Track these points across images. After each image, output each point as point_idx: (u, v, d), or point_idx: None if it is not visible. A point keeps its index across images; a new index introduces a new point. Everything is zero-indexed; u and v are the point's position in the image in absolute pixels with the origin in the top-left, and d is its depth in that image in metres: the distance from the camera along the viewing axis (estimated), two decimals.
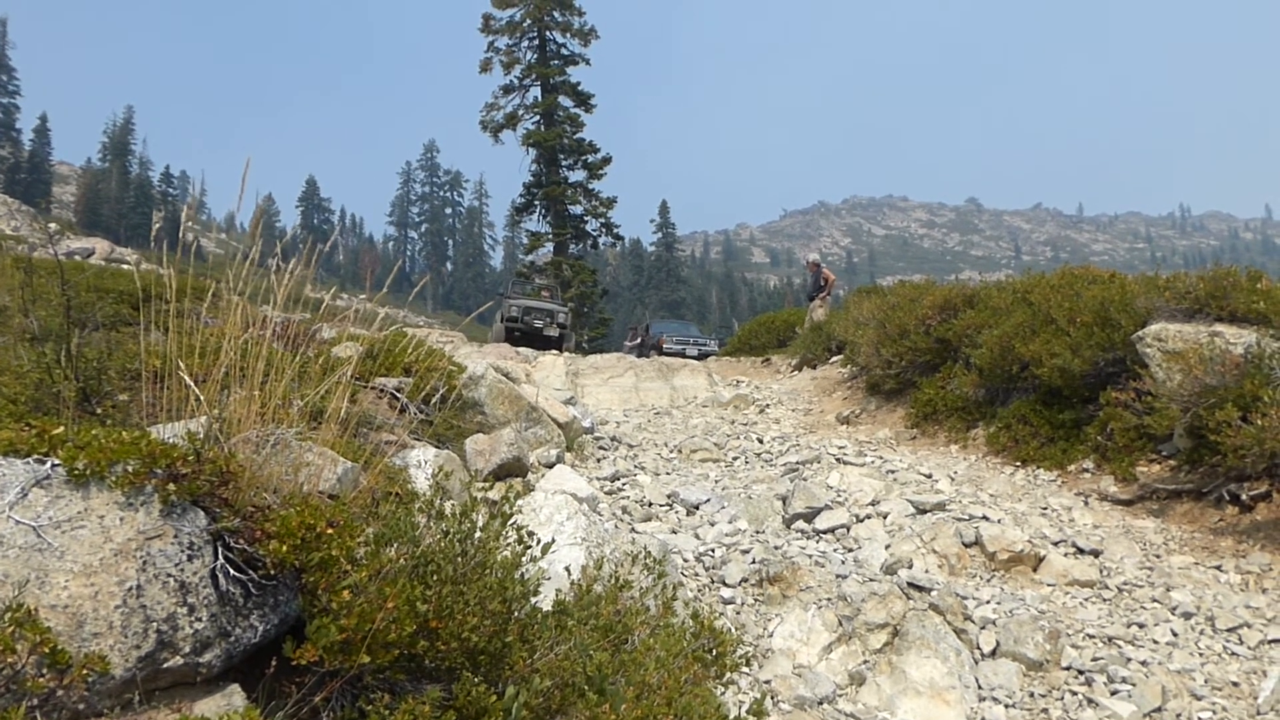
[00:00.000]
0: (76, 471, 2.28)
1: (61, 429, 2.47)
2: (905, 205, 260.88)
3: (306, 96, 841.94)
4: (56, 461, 2.32)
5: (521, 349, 17.83)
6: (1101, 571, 5.55)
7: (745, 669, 4.22)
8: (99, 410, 3.95)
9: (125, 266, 14.31)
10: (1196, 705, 4.24)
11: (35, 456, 2.35)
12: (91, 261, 20.88)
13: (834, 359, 13.88)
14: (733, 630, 3.96)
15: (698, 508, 6.57)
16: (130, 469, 2.33)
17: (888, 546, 5.79)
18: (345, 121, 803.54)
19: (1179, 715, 4.17)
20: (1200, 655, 4.65)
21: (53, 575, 2.08)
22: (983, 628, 4.82)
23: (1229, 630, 4.83)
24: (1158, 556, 5.80)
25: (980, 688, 4.41)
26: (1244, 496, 6.14)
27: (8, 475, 2.23)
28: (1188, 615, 4.99)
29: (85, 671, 1.96)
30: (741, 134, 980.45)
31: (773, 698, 4.23)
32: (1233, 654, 4.64)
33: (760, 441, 9.15)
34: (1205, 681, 4.40)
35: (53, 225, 43.52)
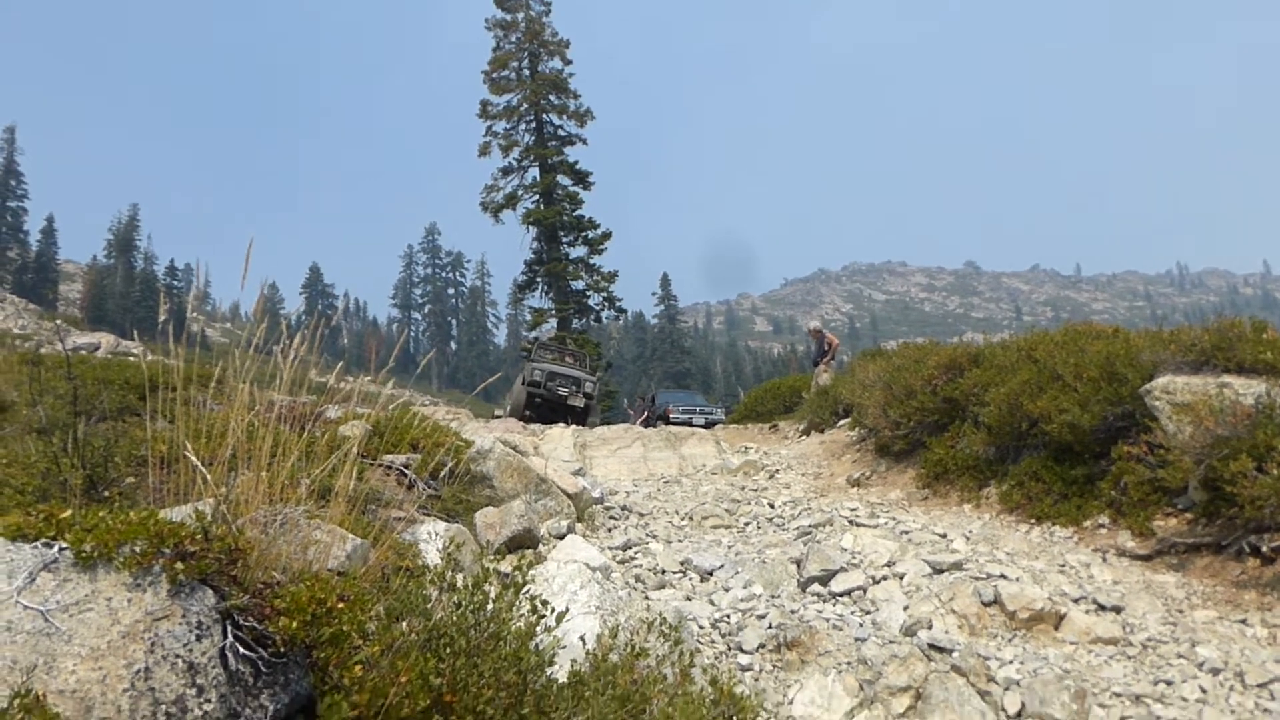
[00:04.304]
0: (84, 554, 2.27)
1: (69, 512, 2.46)
2: (904, 270, 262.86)
3: (308, 186, 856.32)
4: (64, 545, 2.31)
5: (531, 424, 17.73)
6: (1124, 628, 5.44)
7: None
8: (106, 495, 3.94)
9: (131, 358, 14.39)
10: None
11: (43, 540, 2.33)
12: (98, 355, 21.01)
13: (841, 422, 13.84)
14: (752, 697, 3.88)
15: (711, 574, 6.49)
16: (138, 549, 2.32)
17: (906, 608, 5.70)
18: (347, 210, 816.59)
19: None
20: (1232, 712, 4.53)
21: (60, 660, 2.05)
22: (1007, 689, 4.71)
23: (1259, 686, 4.71)
24: (1180, 611, 5.69)
25: None
26: (1264, 549, 6.04)
27: (15, 560, 2.22)
28: (1215, 671, 4.87)
29: None
30: (740, 206, 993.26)
31: None
32: (1265, 710, 4.52)
33: (771, 506, 9.07)
34: None
35: (58, 321, 43.90)
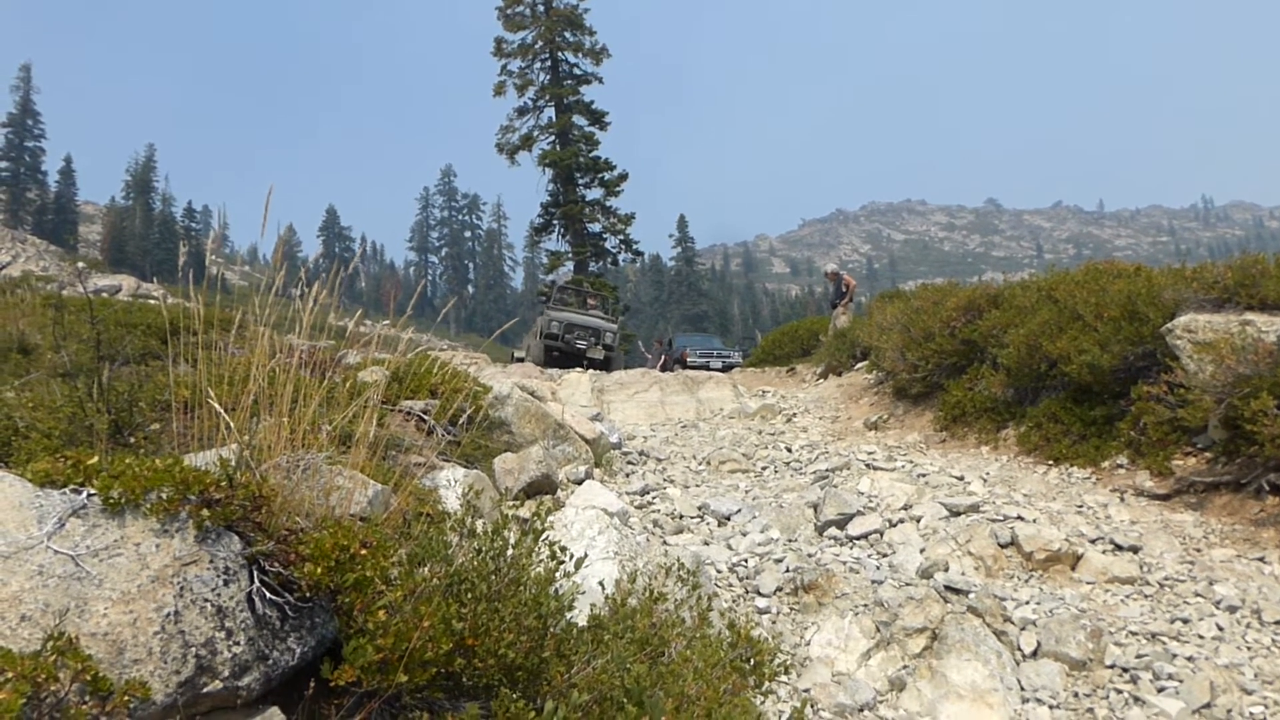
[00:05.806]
0: (112, 500, 2.30)
1: (96, 459, 2.49)
2: (924, 209, 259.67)
3: (323, 128, 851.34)
4: (92, 491, 2.34)
5: (549, 369, 17.73)
6: (1141, 567, 5.46)
7: (784, 678, 4.19)
8: (131, 441, 3.98)
9: (152, 301, 14.48)
10: (1247, 700, 4.15)
11: (71, 487, 2.37)
12: (119, 298, 21.14)
13: (859, 365, 13.81)
14: (769, 639, 3.94)
15: (729, 518, 6.54)
16: (164, 496, 2.34)
17: (922, 550, 5.73)
18: (363, 151, 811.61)
19: (1229, 711, 4.08)
20: (1248, 649, 4.56)
21: (92, 603, 2.09)
22: (1023, 628, 4.75)
23: (1276, 623, 4.74)
24: (1198, 550, 5.71)
25: (1023, 689, 4.34)
26: None
27: (45, 506, 2.25)
28: (1233, 609, 4.90)
29: (126, 698, 1.96)
30: (757, 146, 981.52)
31: (813, 706, 4.19)
32: None
33: (789, 450, 9.10)
34: (1255, 675, 4.31)
35: (80, 263, 44.14)
